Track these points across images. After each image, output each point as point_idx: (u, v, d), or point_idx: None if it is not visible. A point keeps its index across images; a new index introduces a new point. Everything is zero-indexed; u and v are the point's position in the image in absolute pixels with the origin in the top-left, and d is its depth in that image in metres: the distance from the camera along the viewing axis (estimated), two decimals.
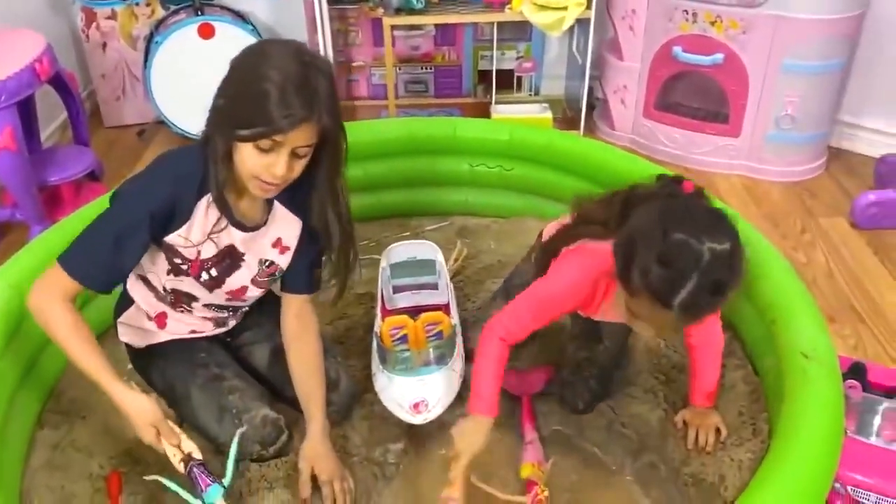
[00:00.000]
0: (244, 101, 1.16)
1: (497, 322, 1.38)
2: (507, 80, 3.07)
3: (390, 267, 1.78)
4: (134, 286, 1.43)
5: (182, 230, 1.28)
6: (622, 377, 1.62)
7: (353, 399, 1.53)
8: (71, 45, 2.94)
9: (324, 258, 1.47)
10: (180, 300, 1.42)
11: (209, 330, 1.49)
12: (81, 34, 2.86)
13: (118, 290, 1.44)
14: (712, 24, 2.33)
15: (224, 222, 1.31)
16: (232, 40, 2.63)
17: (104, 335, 1.72)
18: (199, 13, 2.66)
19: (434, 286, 1.72)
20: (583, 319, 1.56)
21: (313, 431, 1.38)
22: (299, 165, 1.23)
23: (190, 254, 1.32)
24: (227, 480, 1.29)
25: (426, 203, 2.23)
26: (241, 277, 1.40)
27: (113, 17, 2.86)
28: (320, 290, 1.51)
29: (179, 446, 1.30)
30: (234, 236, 1.34)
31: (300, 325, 1.47)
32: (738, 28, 2.31)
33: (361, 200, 2.19)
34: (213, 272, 1.36)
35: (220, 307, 1.45)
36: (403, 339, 1.54)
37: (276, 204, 1.38)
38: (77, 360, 1.28)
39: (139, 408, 1.27)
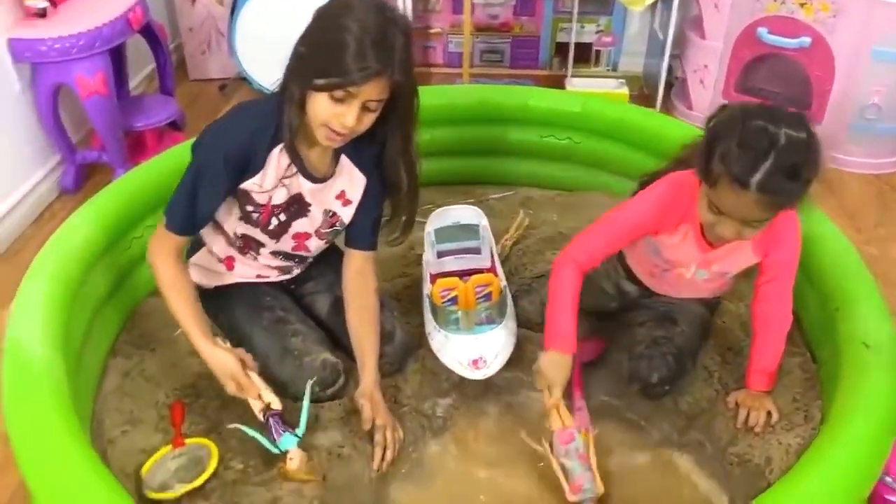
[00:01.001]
0: (322, 51, 1.20)
1: (567, 251, 1.44)
2: (585, 54, 3.04)
3: (434, 231, 1.80)
4: (206, 229, 1.50)
5: (256, 178, 1.34)
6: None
7: (406, 352, 1.57)
8: None
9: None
10: (249, 246, 1.48)
11: (274, 276, 1.55)
12: None
13: None
14: (801, 5, 2.26)
15: (293, 169, 1.36)
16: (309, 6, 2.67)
17: None
18: None
19: (477, 250, 1.74)
20: (658, 304, 1.58)
21: (366, 381, 1.43)
22: (368, 119, 1.27)
23: (262, 199, 1.38)
24: (300, 430, 1.35)
25: (492, 171, 2.24)
26: (305, 225, 1.45)
27: None
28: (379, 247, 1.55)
29: (260, 397, 1.37)
30: (302, 185, 1.39)
31: (360, 280, 1.51)
32: (829, 11, 2.23)
33: (428, 165, 2.17)
34: (282, 217, 1.42)
35: (286, 256, 1.51)
36: (453, 300, 1.57)
37: (344, 158, 1.42)
38: (173, 313, 1.39)
39: (220, 363, 1.36)
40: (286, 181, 1.37)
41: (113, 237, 1.65)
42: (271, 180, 1.35)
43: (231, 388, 1.36)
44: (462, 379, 1.54)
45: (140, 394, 1.54)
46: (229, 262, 1.51)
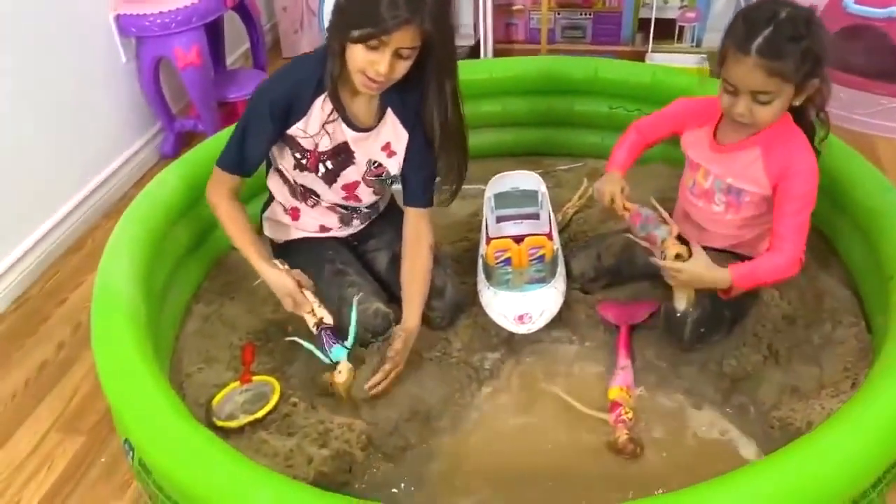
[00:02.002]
0: (358, 3, 1.31)
1: (639, 120, 1.72)
2: (669, 30, 3.00)
3: (494, 197, 1.85)
4: (273, 180, 1.63)
5: (300, 123, 1.46)
6: (738, 329, 1.57)
7: (456, 308, 1.64)
8: None
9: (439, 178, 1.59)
10: (309, 195, 1.59)
11: (336, 227, 1.66)
12: None
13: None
14: None
15: (335, 115, 1.45)
16: None
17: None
18: None
19: (536, 216, 1.78)
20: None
21: (409, 320, 1.53)
22: (402, 66, 1.35)
23: (308, 144, 1.49)
24: (349, 343, 1.47)
25: (561, 143, 2.27)
26: (352, 173, 1.55)
27: None
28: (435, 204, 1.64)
29: (313, 312, 1.48)
30: (347, 134, 1.49)
31: (415, 236, 1.60)
32: None
33: (499, 136, 2.29)
34: (329, 164, 1.52)
35: (342, 207, 1.61)
36: (507, 261, 1.62)
37: (390, 111, 1.51)
38: (234, 241, 1.54)
39: (277, 281, 1.49)
40: (329, 127, 1.47)
41: (198, 193, 1.80)
42: (315, 126, 1.46)
43: (288, 305, 1.49)
44: (511, 335, 1.61)
45: (217, 336, 1.68)
46: (294, 213, 1.63)
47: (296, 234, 1.67)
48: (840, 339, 1.53)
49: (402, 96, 1.46)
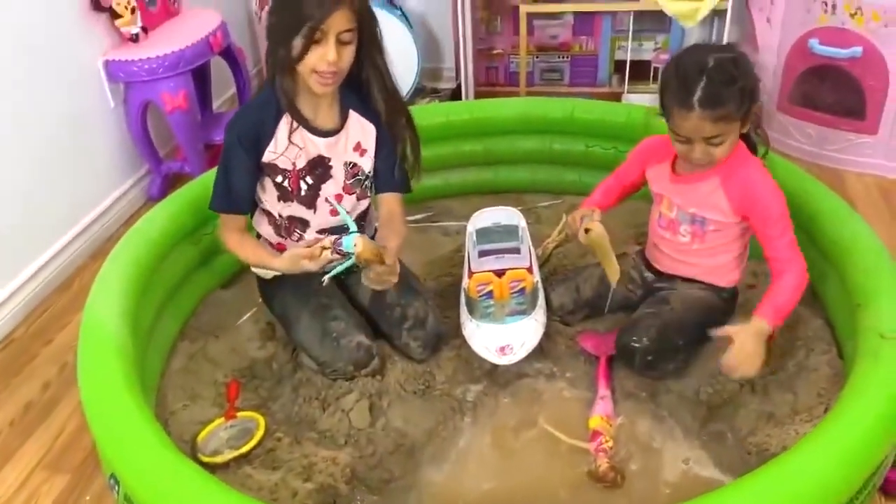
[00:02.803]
0: (286, 10, 1.39)
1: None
2: (644, 72, 3.09)
3: (476, 232, 1.89)
4: (259, 220, 1.67)
5: (271, 146, 1.53)
6: (699, 356, 1.61)
7: (437, 338, 1.67)
8: (246, 25, 3.28)
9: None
10: (294, 226, 1.64)
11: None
12: (255, 16, 3.20)
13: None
14: (852, 16, 2.26)
15: (300, 129, 1.53)
16: (381, 23, 2.84)
17: (240, 274, 2.00)
18: None
19: (517, 250, 1.83)
20: (662, 291, 1.66)
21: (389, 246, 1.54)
22: (347, 52, 1.42)
23: (285, 164, 1.55)
24: (351, 229, 1.48)
25: (541, 180, 2.33)
26: (333, 187, 1.61)
27: None
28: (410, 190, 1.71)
29: (325, 248, 1.46)
30: (318, 144, 1.56)
31: (390, 219, 1.64)
32: (880, 21, 2.22)
33: (480, 174, 2.35)
34: (309, 181, 1.58)
35: (330, 231, 1.65)
36: (489, 294, 1.66)
37: (352, 112, 1.58)
38: (246, 260, 1.67)
39: (287, 258, 1.53)
40: (297, 139, 1.53)
41: (185, 231, 1.84)
42: (283, 143, 1.53)
43: (310, 265, 1.47)
44: (494, 368, 1.64)
45: (201, 373, 1.70)
46: (280, 248, 1.67)
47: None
48: (813, 366, 1.57)
49: (357, 95, 1.55)
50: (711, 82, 1.38)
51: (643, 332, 1.56)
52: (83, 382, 1.37)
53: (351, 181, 1.63)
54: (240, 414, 1.57)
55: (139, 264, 1.65)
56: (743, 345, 1.41)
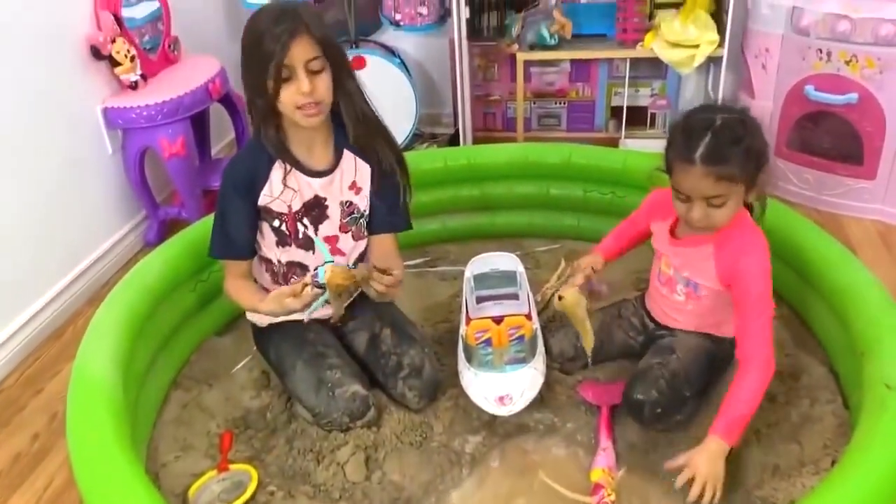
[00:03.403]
0: (252, 57, 1.41)
1: None
2: (641, 117, 3.12)
3: (474, 278, 1.88)
4: (258, 270, 1.66)
5: (266, 190, 1.54)
6: (703, 406, 1.59)
7: (434, 386, 1.64)
8: None
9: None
10: (293, 272, 1.62)
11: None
12: None
13: None
14: (847, 63, 2.28)
15: (291, 168, 1.52)
16: (380, 71, 2.88)
17: (236, 321, 1.97)
18: (354, 46, 2.94)
19: (515, 296, 1.81)
20: (664, 339, 1.64)
21: None
22: (321, 81, 1.43)
23: (281, 207, 1.55)
24: (327, 257, 1.46)
25: (539, 225, 2.32)
26: (330, 227, 1.60)
27: None
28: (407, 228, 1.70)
29: (307, 284, 1.45)
30: (313, 185, 1.56)
31: (385, 256, 1.63)
32: (875, 67, 2.24)
33: (478, 219, 2.34)
34: (306, 222, 1.58)
35: None
36: (487, 342, 1.64)
37: (345, 151, 1.58)
38: (244, 306, 1.65)
39: (272, 300, 1.50)
40: (291, 182, 1.53)
41: (180, 278, 1.82)
42: (278, 187, 1.53)
43: (294, 303, 1.45)
44: (493, 418, 1.60)
45: (194, 423, 1.67)
46: None
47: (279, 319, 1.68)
48: (818, 416, 1.54)
49: (346, 132, 1.56)
50: (716, 139, 1.36)
51: (652, 384, 1.52)
52: (72, 436, 1.34)
53: (347, 219, 1.62)
54: (232, 466, 1.53)
55: (133, 311, 1.63)
56: (699, 470, 1.30)
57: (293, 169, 1.54)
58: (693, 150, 1.36)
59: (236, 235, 1.57)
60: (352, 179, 1.60)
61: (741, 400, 1.37)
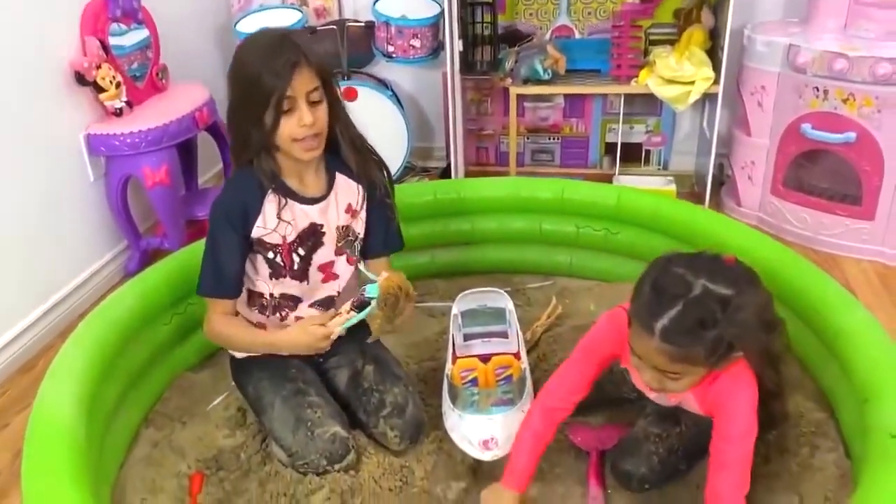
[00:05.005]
0: (247, 94, 1.37)
1: (543, 388, 1.42)
2: (636, 154, 3.08)
3: (462, 314, 1.82)
4: (241, 304, 1.59)
5: (259, 221, 1.48)
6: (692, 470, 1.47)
7: (417, 427, 1.57)
8: None
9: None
10: (285, 304, 1.57)
11: None
12: None
13: None
14: (844, 101, 2.25)
15: (287, 201, 1.48)
16: (372, 103, 2.85)
17: (213, 355, 1.90)
18: (346, 78, 2.91)
19: (504, 334, 1.74)
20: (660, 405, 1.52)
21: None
22: (320, 111, 1.41)
23: (275, 239, 1.50)
24: (370, 276, 1.48)
25: (530, 261, 2.27)
26: (325, 254, 1.56)
27: None
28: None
29: (344, 313, 1.45)
30: (309, 213, 1.51)
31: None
32: (873, 106, 2.21)
33: (468, 254, 2.29)
34: (301, 252, 1.53)
35: (320, 303, 1.59)
36: (474, 381, 1.57)
37: (338, 175, 1.55)
38: (238, 347, 1.61)
39: (298, 337, 1.48)
40: (286, 216, 1.49)
41: (155, 311, 1.75)
42: (273, 220, 1.48)
43: (323, 332, 1.45)
44: (478, 463, 1.53)
45: (165, 463, 1.59)
46: (260, 328, 1.60)
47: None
48: (819, 465, 1.46)
49: (339, 157, 1.54)
50: (685, 314, 1.14)
51: (643, 460, 1.41)
52: (26, 478, 1.26)
53: (342, 243, 1.58)
54: None
55: (102, 346, 1.56)
56: None
57: (288, 201, 1.49)
58: (655, 317, 1.15)
59: (228, 271, 1.50)
60: (347, 202, 1.57)
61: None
